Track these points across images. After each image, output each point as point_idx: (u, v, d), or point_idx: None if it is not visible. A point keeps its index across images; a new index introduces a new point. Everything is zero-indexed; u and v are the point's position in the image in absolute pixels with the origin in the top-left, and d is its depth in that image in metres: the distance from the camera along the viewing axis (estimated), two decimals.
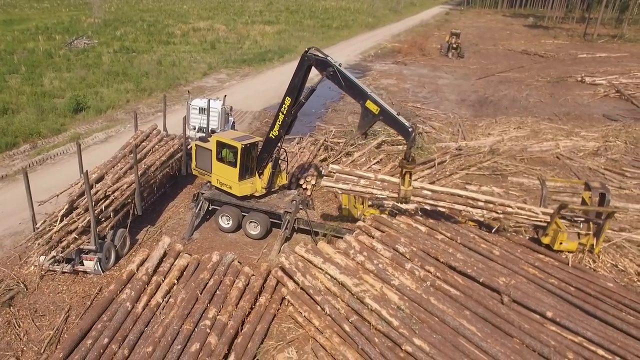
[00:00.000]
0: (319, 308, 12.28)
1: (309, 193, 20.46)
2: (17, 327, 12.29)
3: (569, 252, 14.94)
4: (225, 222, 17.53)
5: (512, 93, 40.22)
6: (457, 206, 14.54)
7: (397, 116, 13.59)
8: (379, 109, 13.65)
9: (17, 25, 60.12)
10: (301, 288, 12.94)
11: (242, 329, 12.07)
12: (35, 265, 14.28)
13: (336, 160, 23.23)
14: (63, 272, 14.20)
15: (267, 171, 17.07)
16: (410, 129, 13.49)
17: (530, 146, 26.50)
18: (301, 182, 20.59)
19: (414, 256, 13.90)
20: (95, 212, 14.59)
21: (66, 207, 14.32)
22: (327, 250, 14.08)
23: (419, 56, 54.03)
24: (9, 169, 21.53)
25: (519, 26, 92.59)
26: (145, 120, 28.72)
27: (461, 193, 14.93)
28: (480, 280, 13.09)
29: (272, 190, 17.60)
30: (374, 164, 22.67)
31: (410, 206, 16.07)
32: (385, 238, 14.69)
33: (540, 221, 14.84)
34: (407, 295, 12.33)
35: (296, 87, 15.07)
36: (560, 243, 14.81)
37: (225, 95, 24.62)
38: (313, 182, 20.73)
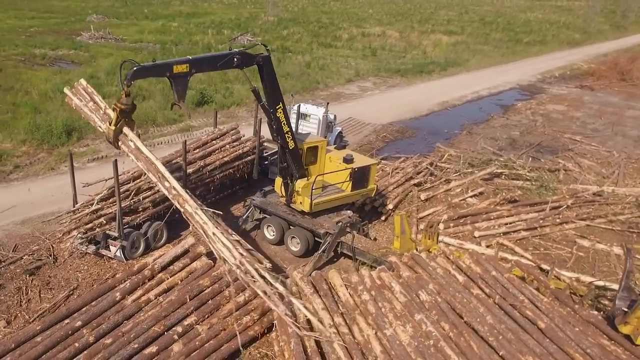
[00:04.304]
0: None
1: (383, 218, 19.90)
2: (24, 294, 14.13)
3: None
4: (270, 233, 17.91)
5: None
6: (151, 175, 13.35)
7: None
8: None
9: (197, 18, 68.41)
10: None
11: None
12: (70, 242, 16.21)
13: (431, 187, 22.09)
14: (87, 253, 15.93)
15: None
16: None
17: None
18: (376, 204, 20.10)
19: (434, 307, 12.72)
20: (132, 201, 16.12)
21: (104, 192, 16.04)
22: (335, 281, 13.59)
23: (615, 81, 48.47)
24: (109, 151, 24.62)
25: None
26: (264, 120, 30.46)
27: (159, 167, 13.19)
28: (500, 354, 11.48)
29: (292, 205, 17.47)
30: (470, 196, 21.02)
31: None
32: (411, 280, 13.69)
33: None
34: (394, 349, 11.35)
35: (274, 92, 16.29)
36: None
37: (328, 103, 25.16)
38: (390, 206, 20.09)
